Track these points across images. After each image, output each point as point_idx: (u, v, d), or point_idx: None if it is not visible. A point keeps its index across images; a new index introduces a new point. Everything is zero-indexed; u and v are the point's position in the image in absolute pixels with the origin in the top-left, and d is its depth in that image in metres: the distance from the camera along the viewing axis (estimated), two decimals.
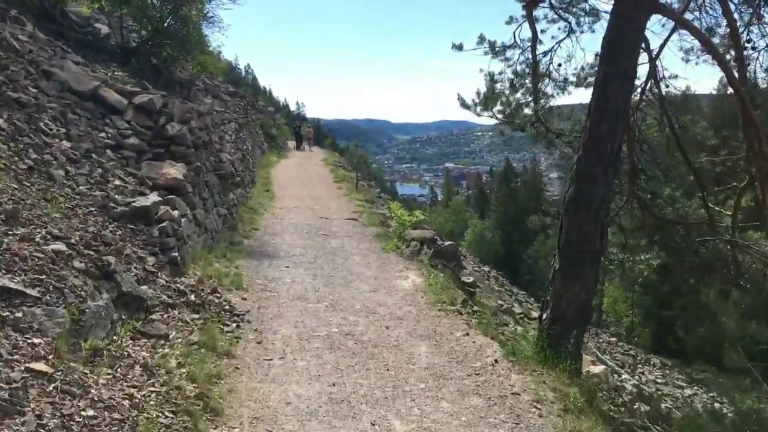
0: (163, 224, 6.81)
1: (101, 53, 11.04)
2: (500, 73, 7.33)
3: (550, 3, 6.83)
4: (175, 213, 7.28)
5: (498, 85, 7.19)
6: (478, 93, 7.21)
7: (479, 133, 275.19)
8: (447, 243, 14.37)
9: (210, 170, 10.02)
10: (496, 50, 7.01)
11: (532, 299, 26.69)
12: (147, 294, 5.28)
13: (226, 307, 6.40)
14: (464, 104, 7.31)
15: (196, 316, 5.77)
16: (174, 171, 8.33)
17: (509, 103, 7.17)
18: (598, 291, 32.33)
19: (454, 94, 7.08)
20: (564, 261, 5.33)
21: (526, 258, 47.49)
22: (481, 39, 7.06)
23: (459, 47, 7.18)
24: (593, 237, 5.21)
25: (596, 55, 6.79)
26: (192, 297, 6.10)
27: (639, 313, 32.18)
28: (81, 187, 6.23)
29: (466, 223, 57.54)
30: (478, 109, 7.29)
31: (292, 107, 65.70)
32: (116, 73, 10.29)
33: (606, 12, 6.54)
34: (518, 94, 7.18)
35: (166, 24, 11.45)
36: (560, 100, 7.74)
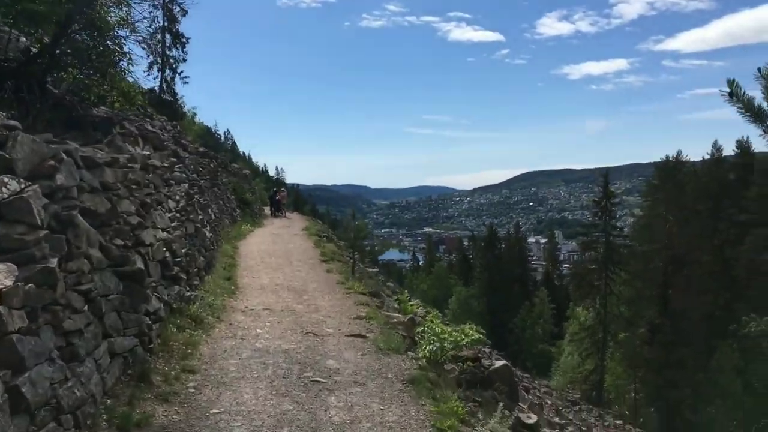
0: None
1: None
2: None
3: None
4: None
5: None
6: None
7: (457, 198, 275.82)
8: (498, 363, 9.88)
9: (103, 266, 5.42)
10: None
11: (527, 375, 25.01)
12: None
13: None
14: (744, 106, 2.97)
15: None
16: None
17: None
18: (598, 367, 30.20)
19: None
20: None
21: (513, 327, 46.02)
22: None
23: None
24: None
25: None
26: None
27: (643, 390, 29.97)
28: None
29: (450, 290, 54.72)
30: None
31: (272, 172, 61.90)
32: None
33: None
34: None
35: (70, 31, 7.28)
36: None
